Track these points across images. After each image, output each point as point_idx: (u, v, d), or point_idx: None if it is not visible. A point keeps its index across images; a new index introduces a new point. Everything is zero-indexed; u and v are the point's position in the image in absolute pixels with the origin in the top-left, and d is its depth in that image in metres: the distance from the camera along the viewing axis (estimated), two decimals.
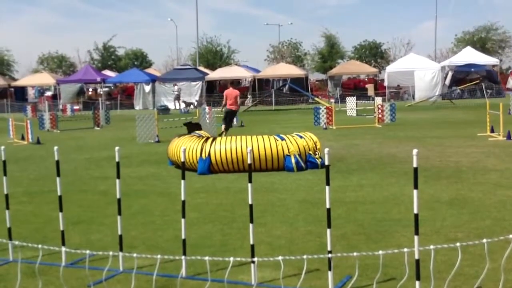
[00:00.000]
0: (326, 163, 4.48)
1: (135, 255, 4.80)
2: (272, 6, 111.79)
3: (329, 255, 4.36)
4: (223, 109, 17.34)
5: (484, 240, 4.02)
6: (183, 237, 4.86)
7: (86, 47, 76.47)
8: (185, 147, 10.78)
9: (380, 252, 4.03)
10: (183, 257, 4.79)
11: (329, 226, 4.43)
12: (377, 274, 4.69)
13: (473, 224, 6.35)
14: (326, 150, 4.50)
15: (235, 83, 18.65)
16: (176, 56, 67.29)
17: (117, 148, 4.96)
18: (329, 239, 4.43)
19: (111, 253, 4.64)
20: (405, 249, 4.15)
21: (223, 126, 17.05)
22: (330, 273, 4.44)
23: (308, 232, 6.27)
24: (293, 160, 10.50)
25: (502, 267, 4.26)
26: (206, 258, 4.20)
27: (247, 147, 10.30)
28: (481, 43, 58.66)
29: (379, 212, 7.09)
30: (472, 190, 8.19)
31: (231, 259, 4.18)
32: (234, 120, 19.66)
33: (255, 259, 4.54)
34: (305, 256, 4.06)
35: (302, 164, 10.58)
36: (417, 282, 4.19)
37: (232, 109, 17.31)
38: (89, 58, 64.08)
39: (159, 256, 4.27)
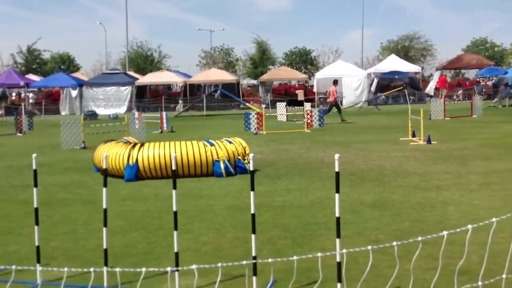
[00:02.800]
0: (251, 168, 4.51)
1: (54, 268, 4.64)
2: (205, 12, 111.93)
3: (253, 260, 4.39)
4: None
5: (411, 240, 4.15)
6: (104, 246, 4.74)
7: (9, 51, 73.50)
8: (109, 153, 10.56)
9: (295, 257, 4.08)
10: (104, 268, 4.67)
11: (253, 232, 4.46)
12: (301, 277, 4.78)
13: (394, 225, 6.57)
14: (251, 155, 4.53)
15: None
16: (105, 61, 65.86)
17: (34, 155, 4.78)
18: (253, 244, 4.46)
19: (26, 267, 4.47)
20: (319, 254, 4.22)
21: None
22: (255, 278, 4.47)
23: (236, 237, 6.28)
24: (222, 166, 10.50)
25: (412, 267, 4.42)
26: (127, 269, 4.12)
27: (172, 153, 10.22)
28: (405, 51, 61.10)
29: (305, 216, 7.21)
30: (394, 192, 8.48)
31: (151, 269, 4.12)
32: None
33: (173, 268, 4.50)
34: (230, 264, 4.06)
35: (231, 170, 10.60)
36: (338, 285, 4.28)
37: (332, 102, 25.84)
38: (12, 62, 61.66)
39: (78, 269, 4.15)
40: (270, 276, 4.71)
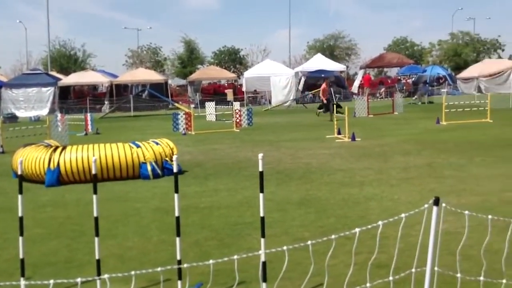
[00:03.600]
0: (174, 170, 4.46)
1: None
2: (130, 10, 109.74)
3: (178, 265, 4.34)
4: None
5: (333, 236, 4.23)
6: (21, 256, 4.55)
7: None
8: (29, 157, 10.17)
9: (218, 260, 4.07)
10: (21, 279, 4.49)
11: (178, 235, 4.42)
12: (227, 278, 4.77)
13: (319, 222, 6.70)
14: (174, 157, 4.48)
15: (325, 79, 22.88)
16: (25, 61, 63.24)
17: None
18: (178, 248, 4.41)
19: None
20: (241, 255, 4.24)
21: None
22: (179, 282, 4.43)
23: (161, 241, 6.20)
24: (149, 168, 10.35)
25: (326, 263, 4.51)
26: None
27: (95, 156, 9.98)
28: (330, 50, 62.48)
29: (233, 216, 7.22)
30: (320, 189, 8.65)
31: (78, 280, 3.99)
32: None
33: (83, 278, 4.39)
34: (150, 270, 3.99)
35: (159, 171, 10.47)
36: (263, 284, 4.31)
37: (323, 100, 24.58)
38: None
39: None
40: (196, 279, 4.69)
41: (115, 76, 45.44)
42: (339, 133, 16.40)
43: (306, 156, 12.57)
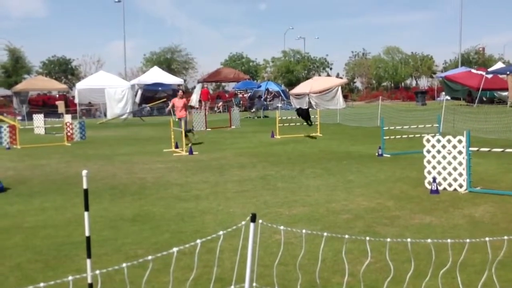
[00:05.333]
0: None
1: None
2: None
3: None
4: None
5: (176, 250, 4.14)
6: None
7: None
8: None
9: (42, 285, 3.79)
10: None
11: None
12: None
13: (153, 238, 6.56)
14: None
15: (183, 92, 18.16)
16: None
17: None
18: None
19: None
20: (67, 277, 4.00)
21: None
22: None
23: None
24: None
25: (172, 276, 4.45)
26: None
27: None
28: (167, 63, 62.44)
29: (60, 235, 6.79)
30: (155, 205, 8.50)
31: None
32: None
33: None
34: None
35: None
36: None
37: (180, 118, 17.60)
38: None
39: None
40: None
41: None
42: (176, 146, 16.36)
43: (142, 170, 12.32)
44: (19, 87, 44.38)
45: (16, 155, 16.25)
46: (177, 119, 18.07)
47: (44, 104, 42.51)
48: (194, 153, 15.22)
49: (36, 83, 45.82)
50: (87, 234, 4.17)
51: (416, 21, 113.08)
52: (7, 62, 56.23)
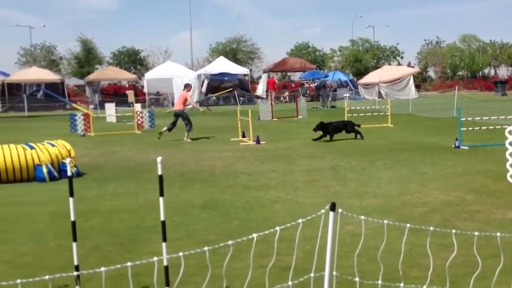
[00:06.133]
0: (68, 173, 4.20)
1: None
2: (22, 7, 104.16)
3: (76, 271, 4.10)
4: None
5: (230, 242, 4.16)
6: None
7: None
8: None
9: (120, 265, 3.88)
10: None
11: (75, 240, 4.17)
12: (131, 283, 4.56)
13: (223, 225, 6.62)
14: (67, 160, 4.24)
15: (186, 86, 17.75)
16: None
17: None
18: (75, 253, 4.16)
19: None
20: (144, 259, 4.07)
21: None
22: None
23: (59, 246, 5.85)
24: (44, 170, 9.81)
25: (223, 267, 4.44)
26: None
27: None
28: (233, 53, 62.79)
29: (134, 220, 6.97)
30: (224, 192, 8.58)
31: None
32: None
33: None
34: (47, 277, 3.71)
35: (55, 174, 9.95)
36: None
37: (176, 111, 17.21)
38: None
39: None
40: (97, 284, 4.45)
41: (7, 75, 42.96)
42: (243, 136, 16.46)
43: (210, 158, 12.47)
44: (91, 77, 45.97)
45: (90, 142, 16.83)
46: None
47: (115, 94, 43.82)
48: (261, 142, 15.26)
49: (107, 73, 47.30)
50: (162, 218, 4.24)
51: (495, 8, 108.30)
52: (80, 52, 58.35)
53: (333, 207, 3.69)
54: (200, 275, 4.82)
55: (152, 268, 4.77)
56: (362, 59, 64.61)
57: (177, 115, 17.20)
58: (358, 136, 15.72)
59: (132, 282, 4.56)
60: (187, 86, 18.39)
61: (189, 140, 16.56)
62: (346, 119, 16.97)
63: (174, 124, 17.18)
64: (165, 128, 17.15)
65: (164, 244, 4.21)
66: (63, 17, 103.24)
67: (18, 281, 3.36)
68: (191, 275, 4.80)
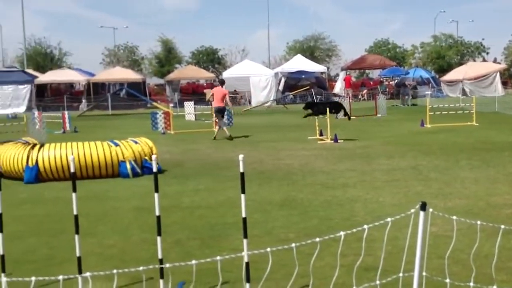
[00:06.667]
0: (154, 169, 4.33)
1: None
2: (107, 9, 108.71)
3: (161, 265, 4.22)
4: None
5: (317, 239, 4.15)
6: (1, 252, 4.40)
7: None
8: (7, 154, 9.99)
9: (204, 260, 3.97)
10: (2, 275, 4.33)
11: (159, 234, 4.30)
12: (210, 278, 4.66)
13: (302, 224, 6.61)
14: (153, 157, 4.36)
15: (223, 82, 18.91)
16: (1, 58, 62.03)
17: None
18: (159, 247, 4.29)
19: None
20: (225, 255, 4.13)
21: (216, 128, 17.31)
22: (161, 281, 4.31)
23: (143, 240, 6.06)
24: (128, 166, 10.18)
25: (311, 265, 4.43)
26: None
27: (73, 154, 9.80)
28: (310, 51, 62.42)
29: (214, 216, 7.10)
30: (302, 191, 8.56)
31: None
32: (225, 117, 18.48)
33: (65, 276, 4.24)
34: (132, 269, 3.87)
35: (138, 170, 10.30)
36: (247, 285, 4.21)
37: (217, 107, 17.29)
38: None
39: None
40: (178, 278, 4.57)
41: (92, 75, 44.90)
42: (321, 134, 16.36)
43: (287, 157, 12.49)
44: (171, 76, 47.17)
45: (171, 140, 17.30)
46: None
47: (193, 92, 44.75)
48: (339, 141, 15.11)
49: (187, 72, 48.40)
50: (243, 215, 4.28)
51: None
52: (160, 52, 60.06)
53: (423, 207, 3.59)
54: (278, 272, 4.84)
55: (231, 264, 4.86)
56: (445, 56, 62.30)
57: (219, 111, 17.52)
58: (346, 117, 16.85)
59: (213, 277, 4.67)
60: (223, 82, 19.04)
61: (228, 134, 16.86)
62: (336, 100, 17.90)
63: (221, 120, 17.62)
64: (218, 129, 17.55)
65: (245, 241, 4.26)
66: (145, 18, 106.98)
67: (114, 271, 3.51)
68: (270, 272, 4.82)
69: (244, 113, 31.81)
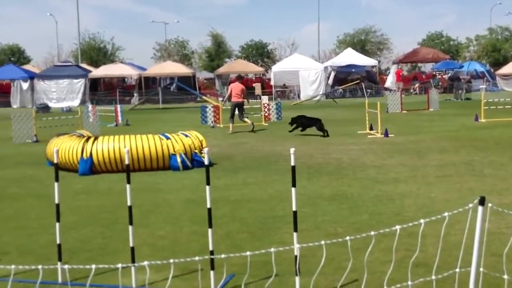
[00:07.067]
0: (206, 162, 4.40)
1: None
2: (158, 4, 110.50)
3: (212, 256, 4.29)
4: (227, 102, 18.56)
5: (370, 233, 4.13)
6: (58, 242, 4.57)
7: None
8: (62, 147, 10.30)
9: (255, 252, 4.00)
10: (59, 264, 4.50)
11: (210, 226, 4.36)
12: (259, 271, 4.70)
13: (351, 218, 6.57)
14: (205, 150, 4.43)
15: (241, 77, 19.83)
16: (56, 53, 64.00)
17: None
18: (210, 239, 4.36)
19: None
20: (273, 249, 4.16)
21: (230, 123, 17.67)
22: (212, 273, 4.37)
23: (193, 232, 6.16)
24: (178, 159, 10.34)
25: (367, 259, 4.40)
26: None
27: (126, 147, 10.03)
28: (361, 45, 61.61)
29: (263, 209, 7.14)
30: (352, 185, 8.50)
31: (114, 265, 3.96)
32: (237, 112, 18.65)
33: (124, 264, 4.36)
34: (183, 259, 3.94)
35: (188, 163, 10.45)
36: (296, 278, 4.23)
37: (237, 102, 17.77)
38: None
39: (26, 266, 3.96)
40: (228, 270, 4.62)
41: (144, 69, 45.74)
42: (371, 128, 16.17)
43: (337, 151, 12.41)
44: (220, 70, 47.54)
45: (220, 133, 17.47)
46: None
47: None
48: (389, 135, 14.89)
49: (236, 66, 48.58)
50: (294, 208, 4.29)
51: None
52: (210, 47, 60.60)
53: (482, 202, 3.52)
54: (328, 266, 4.83)
55: (280, 257, 4.89)
56: (501, 49, 60.38)
57: (239, 105, 17.92)
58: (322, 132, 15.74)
59: (260, 270, 4.71)
60: (241, 77, 19.60)
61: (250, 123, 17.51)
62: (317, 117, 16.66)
63: (242, 114, 18.14)
64: (248, 122, 17.98)
65: (295, 234, 4.27)
66: (195, 13, 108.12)
67: (171, 260, 3.61)
68: (319, 266, 4.82)
69: (293, 107, 31.72)
